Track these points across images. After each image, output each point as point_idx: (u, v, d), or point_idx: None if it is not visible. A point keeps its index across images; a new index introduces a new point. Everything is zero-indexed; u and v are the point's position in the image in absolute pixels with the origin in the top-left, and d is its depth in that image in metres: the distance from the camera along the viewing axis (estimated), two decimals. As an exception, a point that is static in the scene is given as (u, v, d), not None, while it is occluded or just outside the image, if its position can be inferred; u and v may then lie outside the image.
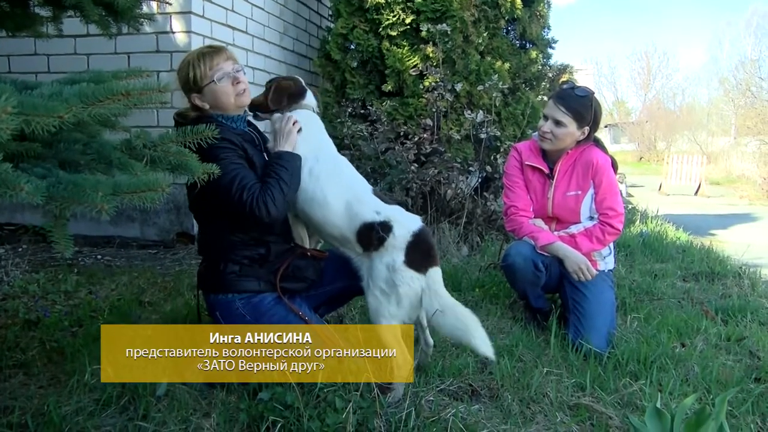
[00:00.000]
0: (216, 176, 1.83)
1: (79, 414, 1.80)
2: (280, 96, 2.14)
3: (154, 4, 3.61)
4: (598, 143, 2.79)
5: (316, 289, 2.19)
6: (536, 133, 2.77)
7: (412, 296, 1.98)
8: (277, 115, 2.14)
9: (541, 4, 5.47)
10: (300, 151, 2.06)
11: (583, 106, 2.61)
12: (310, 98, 2.20)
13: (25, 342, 2.38)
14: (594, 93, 2.69)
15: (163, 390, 1.92)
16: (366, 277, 2.04)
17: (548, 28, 5.70)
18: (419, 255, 1.98)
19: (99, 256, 4.09)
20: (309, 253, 2.19)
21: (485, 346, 1.93)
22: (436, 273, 2.01)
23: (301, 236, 2.23)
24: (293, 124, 2.08)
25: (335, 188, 2.06)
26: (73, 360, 2.16)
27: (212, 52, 2.06)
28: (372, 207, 2.03)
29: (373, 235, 1.97)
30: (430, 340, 2.22)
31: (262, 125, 2.29)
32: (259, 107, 2.17)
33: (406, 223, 2.01)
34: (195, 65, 2.02)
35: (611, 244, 2.77)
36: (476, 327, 1.96)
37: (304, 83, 2.23)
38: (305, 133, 2.11)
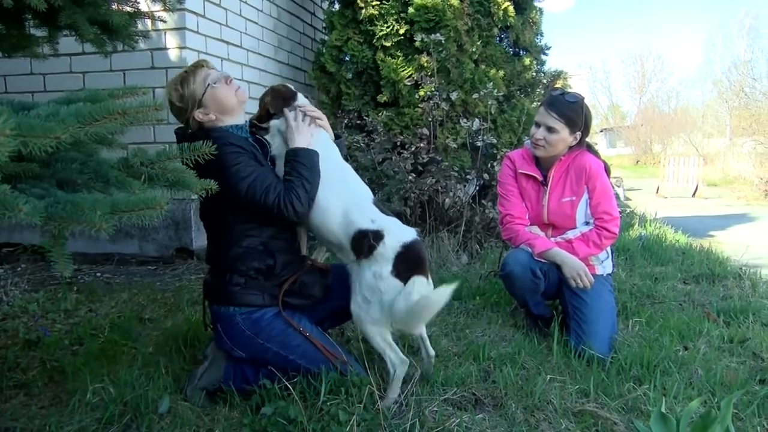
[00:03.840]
0: (234, 183, 1.87)
1: (82, 434, 1.80)
2: (277, 100, 2.15)
3: (148, 21, 3.63)
4: (590, 148, 2.81)
5: (321, 304, 2.17)
6: (528, 141, 2.78)
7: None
8: (283, 117, 2.13)
9: (534, 11, 5.50)
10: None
11: (574, 112, 2.62)
12: (302, 99, 2.21)
13: (25, 362, 2.36)
14: (584, 98, 2.71)
15: (165, 407, 1.92)
16: (354, 284, 2.04)
17: (541, 35, 5.73)
18: (407, 266, 1.96)
19: (98, 274, 4.09)
20: (312, 264, 2.18)
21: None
22: (420, 281, 1.94)
23: (301, 239, 2.24)
24: (303, 117, 2.09)
25: (338, 194, 2.06)
26: (74, 379, 2.15)
27: (193, 68, 2.09)
28: (368, 215, 2.03)
29: (365, 242, 1.97)
30: (432, 351, 2.22)
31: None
32: (258, 119, 2.18)
33: (398, 235, 2.00)
34: (184, 85, 2.05)
35: (609, 248, 2.77)
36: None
37: (292, 87, 2.26)
38: (314, 139, 2.12)
